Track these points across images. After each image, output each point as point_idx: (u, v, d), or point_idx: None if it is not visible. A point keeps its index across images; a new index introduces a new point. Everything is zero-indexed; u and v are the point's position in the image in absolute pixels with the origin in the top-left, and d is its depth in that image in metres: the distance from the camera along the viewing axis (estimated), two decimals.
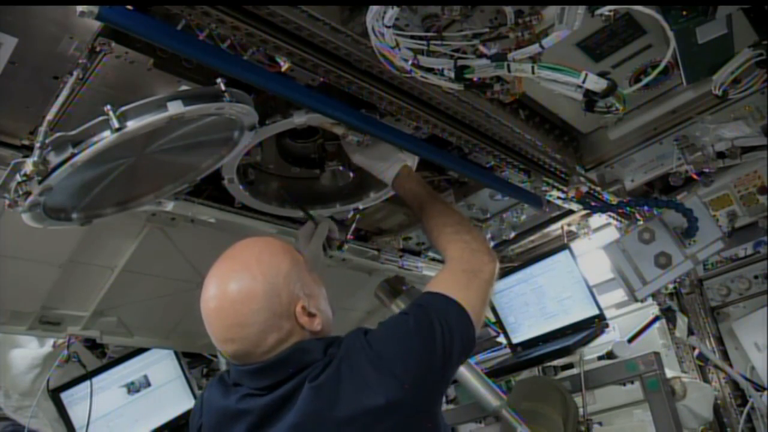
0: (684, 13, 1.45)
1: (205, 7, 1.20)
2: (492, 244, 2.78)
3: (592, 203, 2.39)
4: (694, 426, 2.63)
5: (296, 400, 1.24)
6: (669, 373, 2.42)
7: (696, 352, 2.94)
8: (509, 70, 1.32)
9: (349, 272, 2.66)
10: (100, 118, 1.24)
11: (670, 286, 2.96)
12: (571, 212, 2.69)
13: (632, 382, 2.48)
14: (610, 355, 2.56)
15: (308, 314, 1.32)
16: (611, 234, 2.77)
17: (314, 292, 1.38)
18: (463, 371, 2.12)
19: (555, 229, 3.01)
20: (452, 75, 1.34)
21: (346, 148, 1.84)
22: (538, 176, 2.15)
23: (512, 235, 2.73)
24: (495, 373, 2.81)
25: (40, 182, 1.28)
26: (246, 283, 1.28)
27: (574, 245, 2.98)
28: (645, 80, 1.62)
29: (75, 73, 1.29)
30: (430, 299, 1.40)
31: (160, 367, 2.98)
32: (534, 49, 1.27)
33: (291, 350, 1.29)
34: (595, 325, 2.83)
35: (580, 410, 2.38)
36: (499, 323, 3.21)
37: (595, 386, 2.55)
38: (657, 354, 2.34)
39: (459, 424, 3.22)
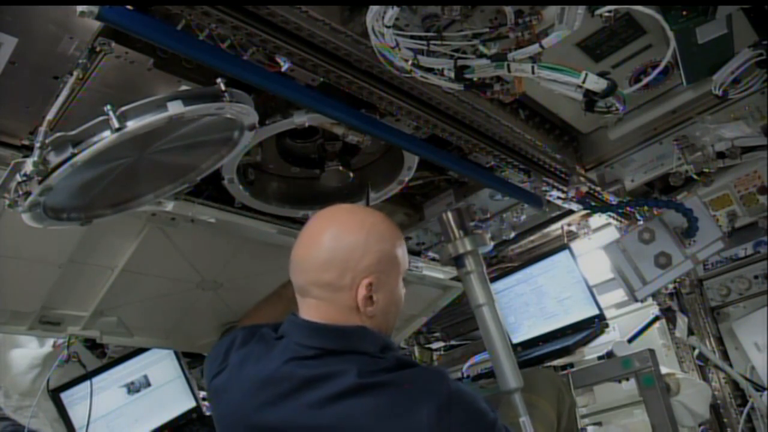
0: (684, 13, 1.45)
1: (205, 7, 1.20)
2: (492, 244, 2.77)
3: (592, 203, 2.39)
4: (691, 424, 2.62)
5: (339, 383, 1.25)
6: (663, 370, 2.42)
7: (696, 352, 2.93)
8: (509, 70, 1.32)
9: None
10: (100, 118, 1.24)
11: (670, 286, 2.95)
12: (571, 212, 2.69)
13: (627, 379, 2.48)
14: (610, 355, 2.56)
15: (369, 296, 1.36)
16: (611, 234, 2.77)
17: (391, 290, 1.41)
18: (496, 341, 2.01)
19: (555, 229, 3.00)
20: (452, 75, 1.35)
21: None
22: (538, 176, 2.15)
23: (512, 235, 2.72)
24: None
25: (40, 182, 1.28)
26: (349, 225, 1.41)
27: (574, 245, 2.98)
28: (645, 80, 1.62)
29: (75, 73, 1.29)
30: None
31: (160, 367, 2.97)
32: (534, 49, 1.27)
33: (353, 329, 1.34)
34: (595, 325, 2.83)
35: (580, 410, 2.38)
36: None
37: (592, 383, 2.55)
38: (652, 351, 2.34)
39: None
